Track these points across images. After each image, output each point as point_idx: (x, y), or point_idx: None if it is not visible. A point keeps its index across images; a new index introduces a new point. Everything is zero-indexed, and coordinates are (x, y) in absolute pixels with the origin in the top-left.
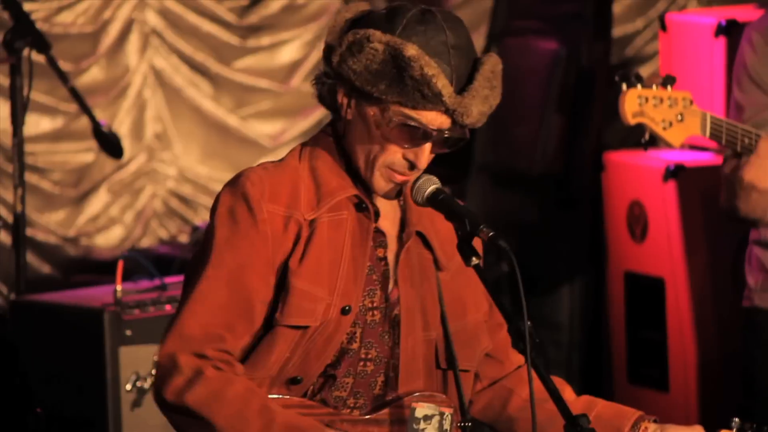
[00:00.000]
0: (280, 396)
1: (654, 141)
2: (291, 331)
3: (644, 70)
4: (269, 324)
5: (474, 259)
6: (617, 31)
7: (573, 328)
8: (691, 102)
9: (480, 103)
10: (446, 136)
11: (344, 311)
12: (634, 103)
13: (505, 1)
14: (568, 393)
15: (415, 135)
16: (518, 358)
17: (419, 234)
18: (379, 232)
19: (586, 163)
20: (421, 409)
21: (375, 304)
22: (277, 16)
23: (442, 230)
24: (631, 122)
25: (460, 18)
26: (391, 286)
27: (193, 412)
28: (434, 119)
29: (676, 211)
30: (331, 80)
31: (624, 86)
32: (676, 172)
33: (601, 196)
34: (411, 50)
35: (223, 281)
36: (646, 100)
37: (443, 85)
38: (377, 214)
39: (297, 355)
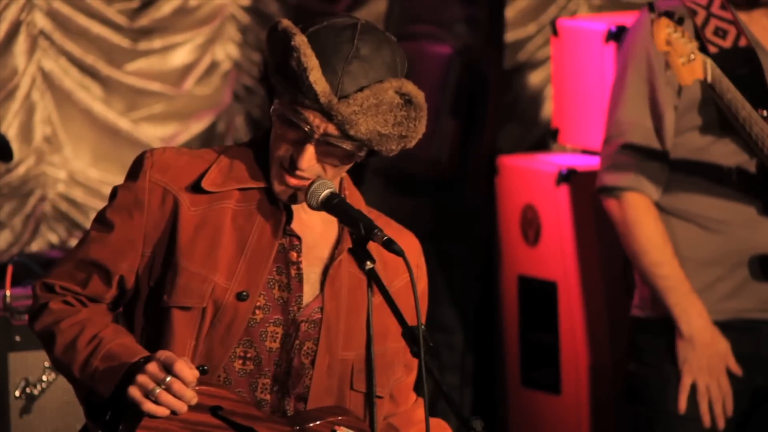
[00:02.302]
0: (207, 387)
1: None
2: (184, 314)
3: (536, 75)
4: (161, 308)
5: (368, 263)
6: (510, 36)
7: (467, 332)
8: (698, 48)
9: (369, 119)
10: (331, 142)
11: (240, 297)
12: (665, 31)
13: (398, 5)
14: None
15: (299, 133)
16: (413, 401)
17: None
18: (293, 236)
19: (480, 167)
20: None
21: (267, 303)
22: (168, 19)
23: (383, 255)
24: (662, 49)
25: (392, 39)
26: (308, 293)
27: (42, 339)
28: (319, 123)
29: (568, 216)
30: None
31: (652, 14)
32: (568, 177)
33: (494, 200)
34: (297, 39)
35: (95, 240)
36: (675, 30)
37: (316, 79)
38: (290, 216)
39: (202, 343)
